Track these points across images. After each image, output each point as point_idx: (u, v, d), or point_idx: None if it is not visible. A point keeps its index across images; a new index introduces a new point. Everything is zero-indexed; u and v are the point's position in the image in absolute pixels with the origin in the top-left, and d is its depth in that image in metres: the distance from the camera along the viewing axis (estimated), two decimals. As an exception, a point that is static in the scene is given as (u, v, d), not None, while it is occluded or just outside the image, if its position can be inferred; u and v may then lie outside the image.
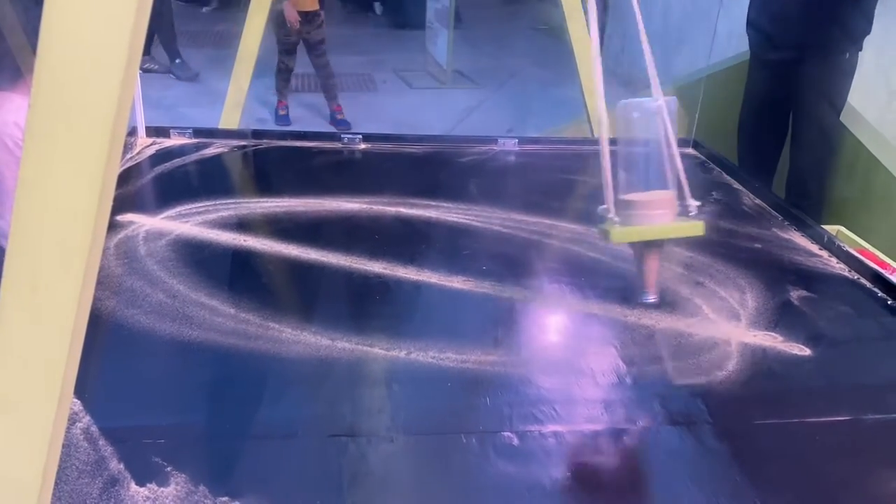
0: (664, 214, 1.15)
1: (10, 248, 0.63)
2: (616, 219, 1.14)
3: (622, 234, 1.14)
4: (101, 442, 1.06)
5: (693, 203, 1.16)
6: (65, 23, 0.58)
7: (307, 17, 4.59)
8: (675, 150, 1.15)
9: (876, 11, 2.78)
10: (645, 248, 1.18)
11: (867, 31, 2.76)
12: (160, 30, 5.41)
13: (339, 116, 4.77)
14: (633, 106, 1.18)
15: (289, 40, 4.64)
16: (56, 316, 0.65)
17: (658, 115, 1.16)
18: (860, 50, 2.79)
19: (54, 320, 0.66)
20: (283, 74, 4.81)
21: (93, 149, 0.61)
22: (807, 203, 2.80)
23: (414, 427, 1.16)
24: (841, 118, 2.87)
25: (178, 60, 5.49)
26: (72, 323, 0.65)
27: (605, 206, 1.15)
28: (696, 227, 1.15)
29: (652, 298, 1.22)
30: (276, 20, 4.47)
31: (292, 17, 4.50)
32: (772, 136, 3.04)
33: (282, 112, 4.77)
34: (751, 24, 3.03)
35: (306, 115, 4.94)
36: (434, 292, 1.54)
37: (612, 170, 1.15)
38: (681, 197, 1.17)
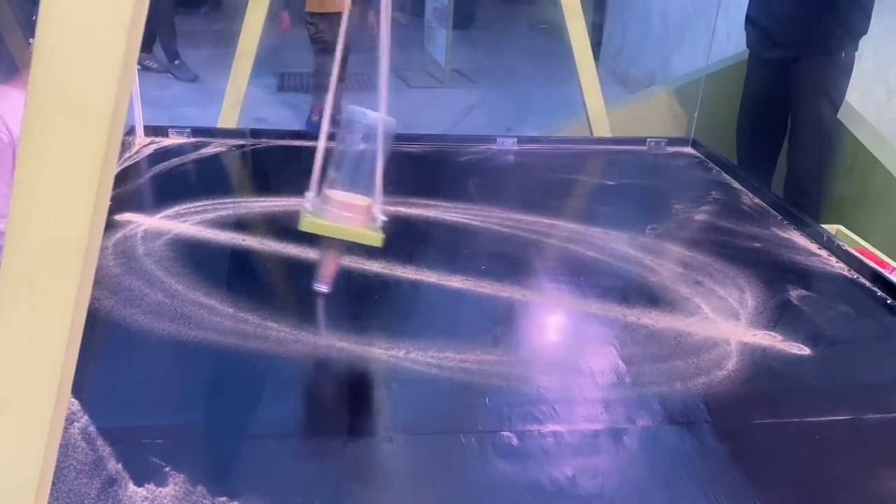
0: (354, 219, 1.24)
1: (6, 247, 0.63)
2: (310, 207, 1.23)
3: (311, 223, 1.22)
4: (99, 442, 1.06)
5: (380, 217, 1.26)
6: (62, 20, 0.58)
7: (338, 18, 4.46)
8: (380, 166, 1.25)
9: (874, 10, 2.78)
10: (329, 241, 1.28)
11: (864, 29, 2.77)
12: (160, 30, 5.41)
13: (314, 118, 4.56)
14: (360, 115, 1.28)
15: (322, 38, 4.44)
16: (53, 315, 0.65)
17: (374, 130, 1.26)
18: (856, 49, 2.79)
19: (51, 319, 0.65)
20: (320, 78, 4.55)
21: (90, 147, 0.61)
22: (805, 202, 2.80)
23: (413, 427, 1.16)
24: (840, 117, 2.87)
25: (177, 61, 5.48)
26: (69, 322, 0.65)
27: (309, 192, 1.25)
28: (375, 238, 1.25)
29: (323, 288, 1.32)
30: (305, 21, 4.42)
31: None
32: (770, 134, 3.04)
33: (315, 118, 4.50)
34: (749, 21, 3.03)
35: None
36: (433, 292, 1.54)
37: (329, 165, 1.26)
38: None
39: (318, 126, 1.29)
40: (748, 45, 3.07)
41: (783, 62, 2.86)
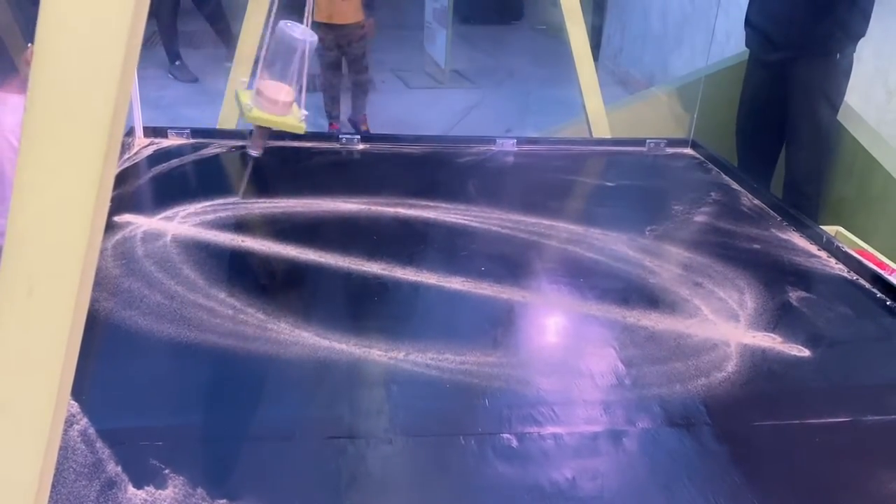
0: (282, 110, 1.62)
1: (6, 250, 0.63)
2: (248, 100, 1.62)
3: (253, 118, 1.61)
4: (99, 444, 1.05)
5: (302, 112, 1.68)
6: (62, 23, 0.58)
7: (344, 30, 4.23)
8: (304, 71, 1.62)
9: (874, 11, 2.78)
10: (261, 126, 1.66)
11: (862, 31, 2.77)
12: (161, 31, 5.40)
13: (363, 128, 4.52)
14: (291, 28, 1.59)
15: (329, 55, 4.30)
16: (52, 319, 0.65)
17: (301, 47, 1.58)
18: (854, 51, 2.79)
19: (51, 322, 0.65)
20: (330, 92, 4.45)
21: (90, 149, 0.61)
22: (804, 203, 2.81)
23: (412, 429, 1.16)
24: (839, 118, 2.87)
25: (177, 62, 5.47)
26: (69, 324, 0.65)
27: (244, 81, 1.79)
28: (298, 128, 1.66)
29: (254, 152, 1.71)
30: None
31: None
32: (769, 136, 3.04)
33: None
34: (748, 23, 3.03)
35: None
36: (432, 293, 1.54)
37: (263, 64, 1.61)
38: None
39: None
40: (747, 46, 3.07)
41: (782, 64, 2.86)
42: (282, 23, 1.59)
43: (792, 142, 2.95)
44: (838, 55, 2.76)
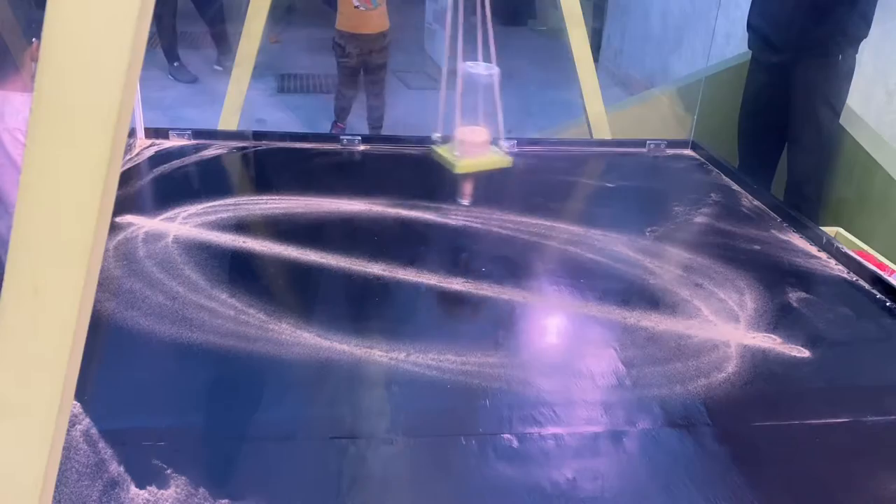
0: (484, 151, 1.74)
1: (11, 251, 0.63)
2: (457, 153, 1.72)
3: (462, 167, 1.74)
4: (101, 444, 1.06)
5: (504, 145, 1.80)
6: (67, 25, 0.58)
7: (368, 39, 4.02)
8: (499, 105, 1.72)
9: (875, 14, 2.78)
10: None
11: (864, 33, 2.77)
12: (161, 32, 5.40)
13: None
14: (475, 67, 1.70)
15: (348, 63, 4.07)
16: (57, 318, 0.65)
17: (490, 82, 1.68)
18: (857, 53, 2.79)
19: (56, 323, 0.66)
20: (342, 102, 4.26)
21: (95, 151, 0.61)
22: (805, 205, 2.81)
23: (414, 429, 1.16)
24: (840, 120, 2.87)
25: (176, 63, 5.47)
26: (73, 325, 0.65)
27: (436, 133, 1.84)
28: (505, 161, 1.78)
29: (465, 201, 1.85)
30: (332, 41, 4.08)
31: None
32: (771, 137, 3.04)
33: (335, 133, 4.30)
34: (750, 25, 3.04)
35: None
36: (434, 294, 1.54)
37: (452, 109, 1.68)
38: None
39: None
40: (750, 48, 3.08)
41: (783, 66, 2.86)
42: (465, 64, 1.70)
43: (793, 144, 2.95)
44: (840, 57, 2.77)
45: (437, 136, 1.85)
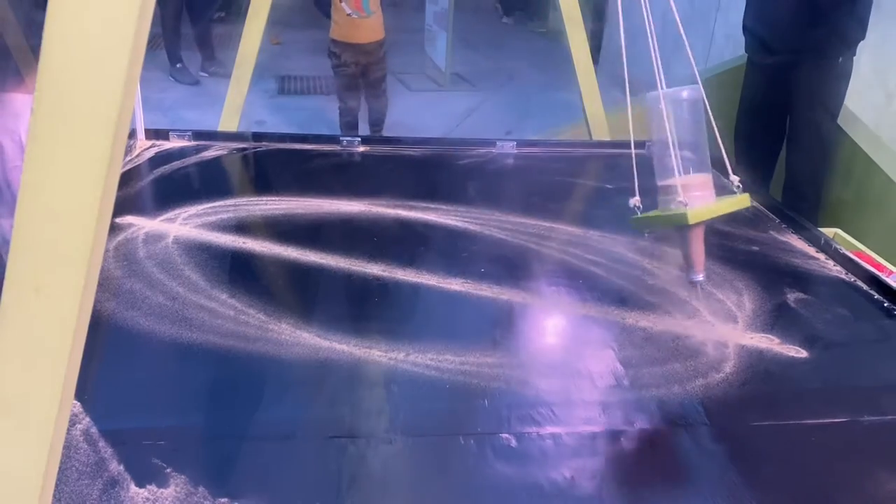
0: (707, 195, 1.31)
1: (12, 250, 0.64)
2: (683, 202, 1.28)
3: (694, 216, 1.28)
4: (101, 443, 1.06)
5: (735, 179, 1.36)
6: (68, 26, 0.59)
7: (364, 49, 3.91)
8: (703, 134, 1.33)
9: (873, 16, 2.79)
10: (690, 230, 1.31)
11: (861, 36, 2.78)
12: (165, 33, 5.37)
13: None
14: (664, 96, 1.31)
15: (345, 72, 3.92)
16: (58, 317, 0.66)
17: (692, 102, 1.33)
18: (854, 55, 2.80)
19: (56, 322, 0.66)
20: (346, 118, 4.05)
21: (95, 151, 0.62)
22: (804, 206, 2.81)
23: (413, 429, 1.17)
24: (839, 121, 2.88)
25: (178, 65, 5.46)
26: (74, 325, 0.66)
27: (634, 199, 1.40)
28: (743, 200, 1.34)
29: (701, 276, 1.36)
30: (328, 49, 3.98)
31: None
32: (768, 139, 3.05)
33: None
34: (746, 28, 3.04)
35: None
36: (433, 294, 1.55)
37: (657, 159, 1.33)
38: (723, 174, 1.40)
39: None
40: (746, 51, 3.08)
41: (780, 68, 2.87)
42: (650, 95, 1.36)
43: (792, 146, 2.96)
44: (839, 60, 2.77)
45: (635, 201, 1.42)
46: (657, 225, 1.39)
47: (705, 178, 1.30)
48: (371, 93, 4.10)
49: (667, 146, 1.29)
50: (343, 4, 3.81)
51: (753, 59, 3.04)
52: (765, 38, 2.93)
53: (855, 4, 2.72)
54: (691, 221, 1.27)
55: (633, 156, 1.34)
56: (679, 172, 1.30)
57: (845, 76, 2.81)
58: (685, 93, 1.31)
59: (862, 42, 2.80)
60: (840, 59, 2.77)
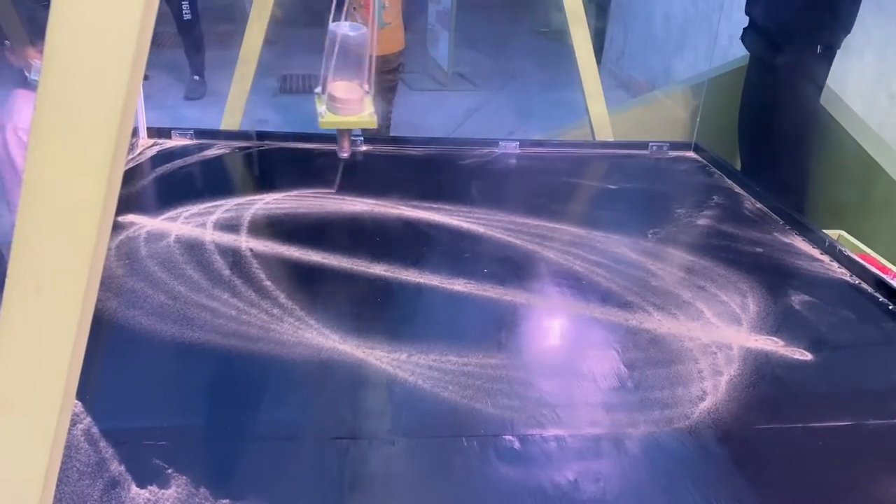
0: (354, 110, 1.73)
1: (14, 249, 0.63)
2: (322, 108, 1.74)
3: (326, 123, 1.75)
4: (102, 443, 1.06)
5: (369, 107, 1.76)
6: (71, 24, 0.58)
7: (379, 60, 3.91)
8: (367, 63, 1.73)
9: (875, 18, 2.79)
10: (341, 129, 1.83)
11: (847, 29, 2.79)
12: (186, 42, 5.04)
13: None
14: (339, 27, 1.71)
15: (388, 80, 3.76)
16: (60, 317, 0.65)
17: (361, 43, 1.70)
18: (838, 48, 2.81)
19: (58, 321, 0.66)
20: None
21: (98, 149, 0.61)
22: (791, 197, 2.81)
23: (415, 430, 1.16)
24: (842, 122, 2.87)
25: (196, 77, 5.07)
26: (76, 324, 0.65)
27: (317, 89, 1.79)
28: (370, 123, 1.76)
29: (345, 155, 1.90)
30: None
31: None
32: (771, 136, 3.05)
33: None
34: (748, 18, 3.06)
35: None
36: (436, 295, 1.54)
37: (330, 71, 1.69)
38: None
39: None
40: (742, 40, 3.10)
41: (771, 59, 2.88)
42: (331, 25, 1.70)
43: (777, 135, 2.96)
44: (819, 49, 2.79)
45: (318, 90, 1.83)
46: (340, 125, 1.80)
47: (354, 95, 1.70)
48: (378, 105, 4.00)
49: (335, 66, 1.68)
50: (358, 17, 3.77)
51: (749, 51, 3.06)
52: (757, 25, 2.95)
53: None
54: (323, 127, 1.76)
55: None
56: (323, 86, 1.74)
57: (824, 67, 2.83)
58: (348, 30, 1.69)
59: (863, 42, 2.80)
60: (819, 48, 2.79)
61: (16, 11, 2.23)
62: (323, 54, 1.73)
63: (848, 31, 2.80)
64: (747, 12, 3.05)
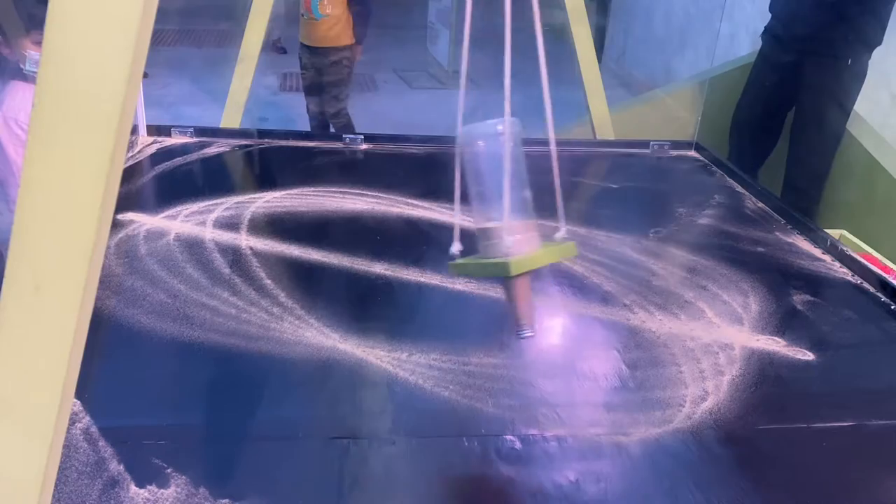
0: (537, 240, 1.11)
1: (12, 247, 0.62)
2: (508, 251, 1.07)
3: (517, 265, 1.07)
4: (101, 443, 1.05)
5: (563, 229, 1.15)
6: (70, 21, 0.58)
7: (316, 52, 3.80)
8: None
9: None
10: (514, 280, 1.09)
11: (879, 40, 2.78)
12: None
13: None
14: (478, 129, 1.12)
15: (302, 74, 3.82)
16: (58, 316, 0.65)
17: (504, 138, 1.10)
18: (870, 58, 2.80)
19: (57, 320, 0.65)
20: (312, 121, 3.94)
21: (97, 149, 0.61)
22: (805, 204, 2.81)
23: (415, 430, 1.16)
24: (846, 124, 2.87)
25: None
26: (74, 324, 0.65)
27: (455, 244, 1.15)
28: (570, 249, 1.14)
29: (530, 332, 1.09)
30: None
31: None
32: (766, 130, 3.05)
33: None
34: (771, 16, 3.03)
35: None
36: (436, 294, 1.53)
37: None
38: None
39: None
40: (761, 37, 3.07)
41: (793, 64, 2.87)
42: (465, 128, 1.15)
43: (796, 143, 2.95)
44: (849, 60, 2.77)
45: (456, 248, 1.18)
46: (478, 273, 1.19)
47: (527, 223, 1.11)
48: (329, 104, 3.85)
49: (486, 186, 1.12)
50: (301, 4, 3.73)
51: (765, 51, 3.03)
52: (782, 31, 2.93)
53: (876, 6, 2.72)
54: (514, 272, 1.07)
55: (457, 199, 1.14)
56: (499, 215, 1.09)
57: (858, 78, 2.81)
58: (500, 126, 1.10)
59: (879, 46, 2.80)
60: (854, 60, 2.77)
61: (11, 3, 2.22)
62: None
63: (879, 42, 2.80)
64: (772, 10, 3.02)
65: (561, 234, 1.13)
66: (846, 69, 2.78)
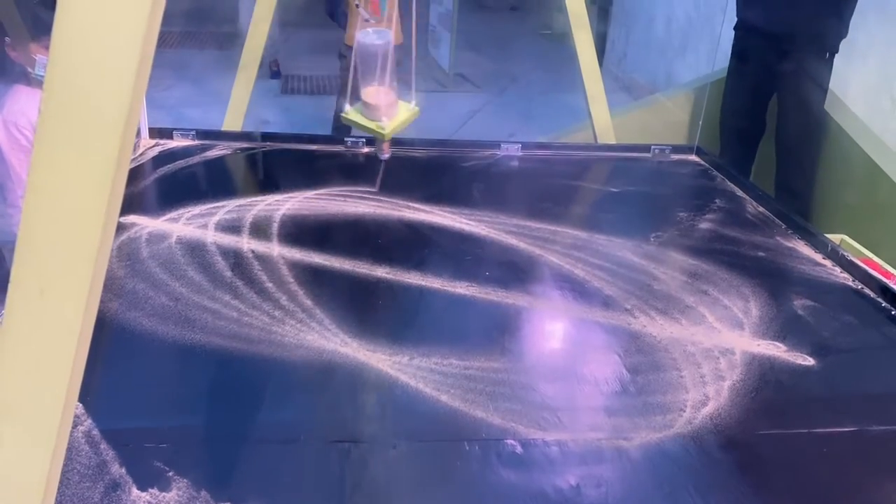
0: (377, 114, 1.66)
1: (17, 251, 0.63)
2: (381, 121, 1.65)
3: (391, 130, 1.65)
4: (103, 445, 1.05)
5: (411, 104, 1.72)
6: (77, 27, 0.58)
7: None
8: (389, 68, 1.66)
9: (878, 20, 2.79)
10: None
11: (844, 33, 2.80)
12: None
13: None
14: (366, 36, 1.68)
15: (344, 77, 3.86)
16: (63, 320, 0.65)
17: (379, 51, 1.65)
18: (837, 52, 2.83)
19: (61, 324, 0.65)
20: (338, 122, 4.14)
21: (102, 153, 0.61)
22: (797, 202, 2.81)
23: (416, 434, 1.16)
24: (844, 126, 2.88)
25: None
26: (78, 327, 0.65)
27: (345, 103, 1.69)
28: (415, 111, 1.71)
29: (385, 156, 1.80)
30: (339, 52, 3.90)
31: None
32: (752, 120, 3.08)
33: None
34: (739, 14, 3.06)
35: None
36: (437, 298, 1.54)
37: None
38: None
39: None
40: (735, 32, 3.10)
41: (767, 61, 2.89)
42: (359, 33, 1.69)
43: (781, 142, 2.96)
44: (827, 55, 2.80)
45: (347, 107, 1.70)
46: (362, 130, 1.70)
47: (392, 96, 1.65)
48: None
49: (368, 71, 1.63)
50: (360, 10, 3.74)
51: (740, 49, 3.05)
52: (756, 28, 2.95)
53: (839, 4, 2.75)
54: (388, 138, 1.69)
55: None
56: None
57: (828, 72, 2.84)
58: (375, 39, 1.67)
59: (865, 46, 2.81)
60: (827, 54, 2.80)
61: (16, 8, 2.23)
62: (351, 63, 1.68)
63: (845, 35, 2.82)
64: (740, 15, 3.04)
65: (413, 103, 1.73)
66: (820, 64, 2.81)
